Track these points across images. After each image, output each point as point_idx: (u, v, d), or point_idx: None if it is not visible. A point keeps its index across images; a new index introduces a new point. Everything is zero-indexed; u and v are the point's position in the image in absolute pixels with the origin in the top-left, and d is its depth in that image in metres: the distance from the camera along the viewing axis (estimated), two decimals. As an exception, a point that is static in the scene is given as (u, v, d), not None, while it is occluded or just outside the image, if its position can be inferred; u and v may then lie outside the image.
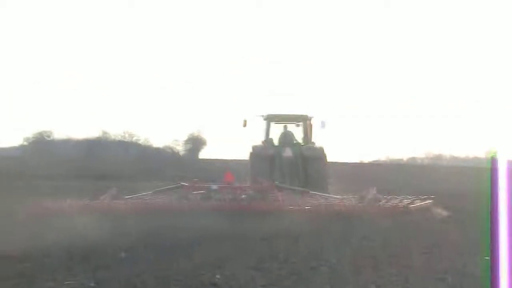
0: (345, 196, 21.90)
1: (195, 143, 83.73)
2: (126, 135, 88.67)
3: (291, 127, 27.46)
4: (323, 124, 26.47)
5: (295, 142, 27.08)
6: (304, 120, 27.38)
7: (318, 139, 27.04)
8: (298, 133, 27.55)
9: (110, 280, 9.65)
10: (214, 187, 21.40)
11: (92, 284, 9.33)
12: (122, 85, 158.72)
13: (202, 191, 21.14)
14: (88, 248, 13.16)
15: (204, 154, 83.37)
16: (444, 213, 20.62)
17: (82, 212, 18.41)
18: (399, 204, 19.58)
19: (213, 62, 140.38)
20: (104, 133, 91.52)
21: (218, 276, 9.88)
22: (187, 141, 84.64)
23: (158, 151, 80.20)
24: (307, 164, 25.57)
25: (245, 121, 26.98)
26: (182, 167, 46.30)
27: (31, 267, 10.82)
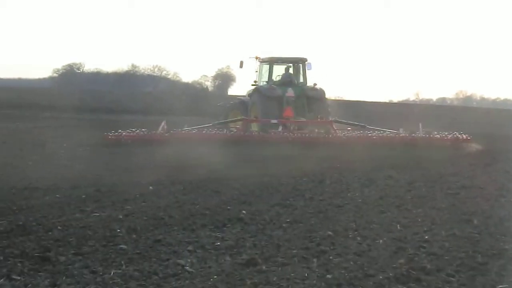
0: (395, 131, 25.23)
1: (224, 79, 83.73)
2: (156, 70, 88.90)
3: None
4: (309, 66, 28.81)
5: (297, 83, 28.62)
6: (303, 62, 29.18)
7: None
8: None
9: (137, 213, 9.75)
10: (274, 121, 24.85)
11: (120, 217, 9.44)
12: (152, 18, 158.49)
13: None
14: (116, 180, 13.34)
15: (233, 90, 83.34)
16: (479, 147, 23.35)
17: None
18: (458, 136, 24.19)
19: None
20: (134, 66, 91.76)
21: (244, 212, 9.95)
22: (215, 77, 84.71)
23: (187, 86, 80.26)
24: (312, 103, 27.53)
25: (241, 62, 29.12)
26: (211, 103, 46.06)
27: (60, 198, 10.97)
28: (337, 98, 69.33)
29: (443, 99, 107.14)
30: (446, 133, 24.97)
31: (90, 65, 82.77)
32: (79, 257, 7.16)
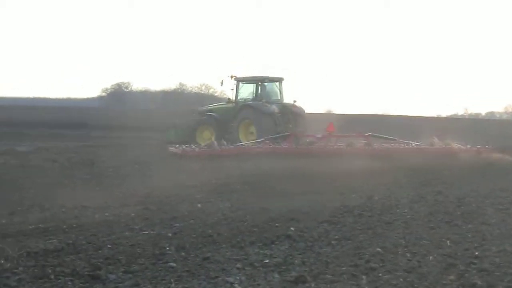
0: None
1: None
2: (203, 88, 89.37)
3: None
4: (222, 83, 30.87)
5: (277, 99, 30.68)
6: (281, 81, 31.29)
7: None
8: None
9: (186, 230, 9.79)
10: (319, 135, 26.18)
11: (169, 234, 9.48)
12: (200, 37, 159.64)
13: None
14: (164, 198, 13.41)
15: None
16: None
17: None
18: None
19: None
20: (181, 85, 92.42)
21: (292, 229, 9.92)
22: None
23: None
24: (296, 119, 29.76)
25: (222, 81, 30.59)
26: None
27: (109, 217, 11.07)
28: (384, 114, 68.95)
29: (492, 113, 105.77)
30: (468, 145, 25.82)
31: (138, 84, 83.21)
32: (129, 275, 7.22)
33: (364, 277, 7.27)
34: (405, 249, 8.70)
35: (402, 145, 26.34)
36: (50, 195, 13.40)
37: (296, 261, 8.01)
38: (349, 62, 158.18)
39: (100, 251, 8.34)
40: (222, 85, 30.77)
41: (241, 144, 26.68)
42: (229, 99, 31.26)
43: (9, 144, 29.44)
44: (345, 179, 16.80)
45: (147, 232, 9.70)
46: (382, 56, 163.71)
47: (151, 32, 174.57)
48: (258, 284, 6.95)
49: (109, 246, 8.64)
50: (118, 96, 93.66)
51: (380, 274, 7.38)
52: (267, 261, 7.97)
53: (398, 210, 11.96)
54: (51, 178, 16.99)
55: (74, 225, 10.10)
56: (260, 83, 30.53)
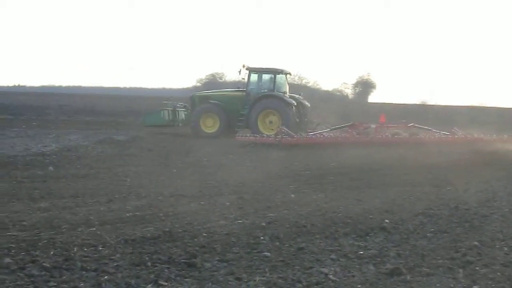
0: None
1: (364, 86, 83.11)
2: (296, 78, 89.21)
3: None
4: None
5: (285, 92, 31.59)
6: (288, 74, 32.66)
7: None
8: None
9: (280, 220, 9.82)
10: (373, 126, 26.72)
11: (263, 224, 9.53)
12: (293, 26, 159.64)
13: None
14: (258, 188, 13.46)
15: (373, 97, 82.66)
16: None
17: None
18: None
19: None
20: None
21: (386, 221, 9.84)
22: (356, 84, 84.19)
23: (327, 94, 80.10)
24: (305, 111, 31.49)
25: (240, 70, 30.95)
26: (350, 109, 45.95)
27: (204, 206, 11.19)
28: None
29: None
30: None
31: (231, 75, 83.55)
32: (224, 263, 7.29)
33: (460, 270, 7.18)
34: (503, 242, 8.56)
35: (437, 134, 26.74)
36: (147, 183, 13.62)
37: (391, 253, 7.96)
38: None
39: (195, 239, 8.44)
40: (240, 74, 31.10)
41: (313, 134, 26.97)
42: (238, 87, 32.01)
43: (107, 133, 30.09)
44: (439, 171, 16.52)
45: (241, 221, 9.76)
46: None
47: (242, 22, 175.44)
48: (353, 276, 6.93)
49: (204, 234, 8.74)
50: (212, 86, 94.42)
51: (477, 268, 7.28)
52: (361, 252, 7.94)
53: (495, 203, 11.74)
54: (147, 166, 17.26)
55: (170, 213, 10.24)
56: (275, 74, 31.05)
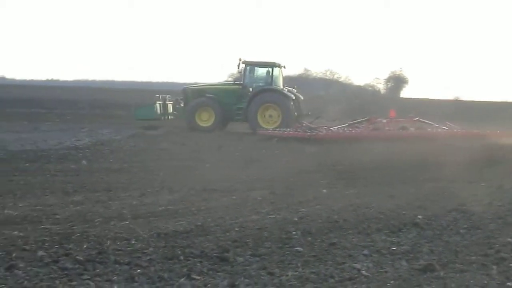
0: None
1: (396, 81, 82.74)
2: (328, 73, 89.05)
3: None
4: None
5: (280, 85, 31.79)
6: (283, 67, 32.27)
7: None
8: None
9: (312, 215, 9.81)
10: (384, 120, 26.98)
11: (295, 219, 9.52)
12: (325, 22, 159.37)
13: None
14: (289, 183, 13.46)
15: (405, 92, 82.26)
16: None
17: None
18: None
19: None
20: (306, 70, 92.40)
21: (419, 217, 9.79)
22: (388, 79, 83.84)
23: (358, 89, 79.86)
24: (299, 105, 31.44)
25: (239, 64, 31.15)
26: (381, 105, 45.70)
27: (236, 200, 11.21)
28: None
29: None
30: None
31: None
32: (256, 258, 7.30)
33: (494, 267, 7.13)
34: (538, 240, 8.47)
35: (445, 128, 26.99)
36: (179, 177, 13.67)
37: (424, 249, 7.92)
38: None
39: (228, 234, 8.46)
40: (239, 68, 31.31)
41: (339, 128, 27.13)
42: (233, 81, 32.46)
43: (140, 127, 30.25)
44: (472, 168, 16.38)
45: (273, 216, 9.76)
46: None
47: (283, 18, 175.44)
48: (386, 271, 6.90)
49: (236, 229, 8.75)
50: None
51: (511, 265, 7.21)
52: (394, 248, 7.91)
53: (530, 200, 11.62)
54: (180, 161, 17.34)
55: (203, 208, 10.28)
56: (272, 68, 31.16)
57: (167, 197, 11.22)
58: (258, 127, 28.78)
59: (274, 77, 31.10)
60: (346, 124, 27.65)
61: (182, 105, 32.04)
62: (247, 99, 30.21)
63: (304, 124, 27.57)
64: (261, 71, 31.55)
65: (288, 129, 26.86)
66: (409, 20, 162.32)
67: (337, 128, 27.01)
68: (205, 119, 30.35)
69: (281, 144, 23.50)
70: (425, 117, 28.18)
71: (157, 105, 31.61)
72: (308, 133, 25.33)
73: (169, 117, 32.40)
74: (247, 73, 31.18)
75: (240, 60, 30.72)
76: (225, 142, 23.83)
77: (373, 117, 27.54)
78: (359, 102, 52.34)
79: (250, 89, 30.75)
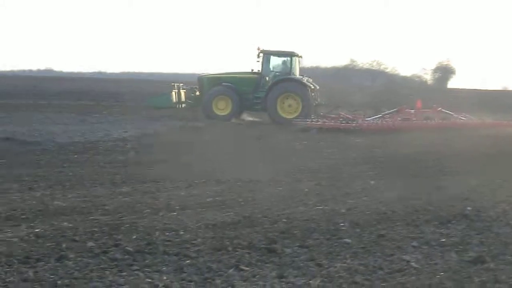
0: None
1: (444, 72, 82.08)
2: (374, 64, 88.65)
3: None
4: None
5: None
6: (300, 57, 31.73)
7: None
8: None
9: (360, 207, 9.78)
10: (412, 111, 27.11)
11: (342, 211, 9.50)
12: (374, 14, 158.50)
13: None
14: (336, 174, 13.41)
15: (453, 83, 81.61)
16: None
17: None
18: None
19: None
20: (352, 61, 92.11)
21: (468, 208, 9.69)
22: (435, 70, 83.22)
23: (405, 79, 79.37)
24: (316, 94, 30.81)
25: (258, 53, 30.48)
26: (428, 95, 45.26)
27: (283, 192, 11.21)
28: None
29: None
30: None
31: (308, 60, 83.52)
32: (304, 249, 7.30)
33: (545, 259, 7.04)
34: None
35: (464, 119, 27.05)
36: (225, 169, 13.67)
37: (474, 241, 7.86)
38: None
39: (275, 225, 8.47)
40: (258, 57, 30.62)
41: (374, 119, 27.01)
42: (252, 70, 31.09)
43: (185, 119, 30.39)
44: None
45: (320, 207, 9.75)
46: None
47: (322, 9, 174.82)
48: (436, 263, 6.85)
49: (284, 220, 8.76)
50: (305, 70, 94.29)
51: None
52: (443, 240, 7.85)
53: None
54: (225, 152, 17.35)
55: (250, 199, 10.30)
56: (291, 57, 30.87)
57: (214, 188, 11.27)
58: (277, 116, 28.90)
59: (292, 66, 30.88)
60: (380, 115, 27.61)
61: (197, 93, 31.88)
62: (265, 88, 30.04)
63: (341, 115, 27.53)
64: (279, 61, 31.34)
65: (328, 120, 26.77)
66: (458, 10, 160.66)
67: (372, 119, 26.89)
68: (222, 108, 30.05)
69: (322, 135, 23.37)
70: (451, 109, 28.09)
71: (173, 93, 31.44)
72: (354, 124, 25.27)
73: (182, 106, 32.08)
74: (265, 62, 30.85)
75: (258, 49, 30.47)
76: (263, 133, 23.75)
77: (403, 108, 27.47)
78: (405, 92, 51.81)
79: (267, 78, 30.61)
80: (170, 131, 23.83)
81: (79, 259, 6.70)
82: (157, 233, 7.82)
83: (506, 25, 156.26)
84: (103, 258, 6.77)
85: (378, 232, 8.17)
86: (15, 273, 6.20)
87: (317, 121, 26.52)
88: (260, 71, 30.76)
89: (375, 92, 50.86)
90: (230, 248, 7.24)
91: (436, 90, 64.79)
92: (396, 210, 9.55)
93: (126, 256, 6.84)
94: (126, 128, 23.62)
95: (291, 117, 28.50)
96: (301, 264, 6.72)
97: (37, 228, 7.96)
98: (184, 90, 32.21)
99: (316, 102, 30.46)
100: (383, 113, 27.85)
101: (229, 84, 30.75)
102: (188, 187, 11.36)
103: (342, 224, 8.58)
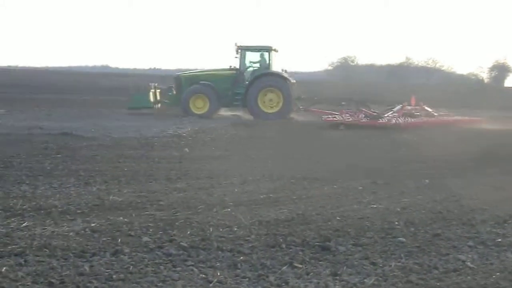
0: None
1: (501, 70, 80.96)
2: (430, 62, 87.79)
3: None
4: None
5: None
6: (276, 51, 31.57)
7: None
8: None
9: (414, 206, 9.72)
10: (409, 107, 27.08)
11: (397, 209, 9.45)
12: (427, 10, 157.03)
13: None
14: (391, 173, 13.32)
15: (510, 82, 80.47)
16: None
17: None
18: None
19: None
20: (408, 59, 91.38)
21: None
22: (492, 68, 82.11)
23: (461, 78, 78.47)
24: (293, 88, 30.19)
25: (237, 50, 30.35)
26: (488, 95, 44.75)
27: (337, 189, 11.17)
28: None
29: None
30: None
31: (364, 58, 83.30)
32: (358, 248, 7.28)
33: None
34: None
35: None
36: (279, 166, 13.68)
37: (530, 241, 7.75)
38: None
39: (329, 223, 8.46)
40: (237, 53, 30.36)
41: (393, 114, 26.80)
42: (230, 66, 30.74)
43: (239, 115, 30.47)
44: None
45: (375, 206, 9.71)
46: None
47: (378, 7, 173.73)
48: (491, 263, 6.79)
49: (338, 218, 8.74)
50: (344, 69, 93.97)
51: None
52: (499, 240, 7.77)
53: None
54: (279, 149, 17.34)
55: (303, 196, 10.30)
56: (269, 51, 30.55)
57: (268, 185, 11.28)
58: (259, 111, 28.76)
59: (270, 60, 30.58)
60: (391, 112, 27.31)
61: (174, 92, 31.51)
62: (245, 83, 29.81)
63: (363, 111, 27.15)
64: (256, 55, 30.93)
65: (361, 117, 26.46)
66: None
67: (391, 114, 26.67)
68: (200, 106, 29.68)
69: (375, 133, 23.13)
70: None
71: (151, 93, 30.92)
72: (393, 122, 25.25)
73: (158, 105, 31.53)
74: (242, 57, 30.59)
75: (235, 44, 30.27)
76: (299, 133, 23.66)
77: (406, 104, 27.26)
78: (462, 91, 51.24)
79: (245, 73, 30.40)
80: (225, 127, 23.81)
81: (134, 253, 6.78)
82: (211, 229, 7.88)
83: None
84: (158, 253, 6.84)
85: (433, 231, 8.11)
86: (71, 267, 6.29)
87: (348, 117, 26.22)
88: (238, 67, 30.54)
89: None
90: (283, 245, 7.26)
91: (493, 88, 63.85)
92: (451, 209, 9.50)
93: (181, 252, 6.90)
94: (181, 125, 23.74)
95: (272, 111, 28.57)
96: (355, 263, 6.70)
97: (93, 223, 8.07)
98: (159, 90, 31.95)
99: (296, 96, 30.16)
100: (398, 107, 27.38)
101: (207, 82, 30.45)
102: (242, 184, 11.40)
103: (396, 222, 8.54)
